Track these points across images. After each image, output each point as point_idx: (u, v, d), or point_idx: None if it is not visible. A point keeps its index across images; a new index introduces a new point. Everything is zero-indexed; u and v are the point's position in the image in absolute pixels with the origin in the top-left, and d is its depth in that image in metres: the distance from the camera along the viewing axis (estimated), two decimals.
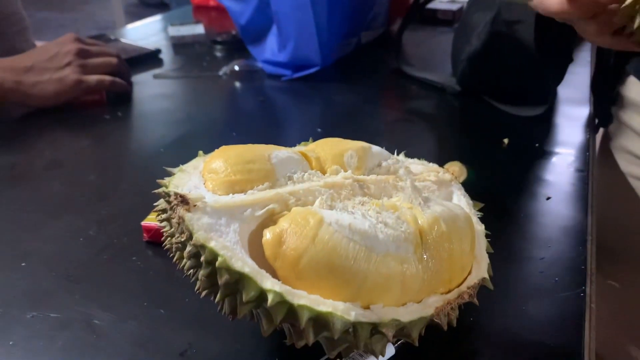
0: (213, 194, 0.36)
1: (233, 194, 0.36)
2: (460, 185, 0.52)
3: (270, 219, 0.36)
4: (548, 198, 0.60)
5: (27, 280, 0.49)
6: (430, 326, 0.37)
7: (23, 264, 0.51)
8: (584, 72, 0.95)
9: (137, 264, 0.51)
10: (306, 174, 0.41)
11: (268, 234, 0.34)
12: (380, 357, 0.38)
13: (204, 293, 0.34)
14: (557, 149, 0.71)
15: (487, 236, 0.46)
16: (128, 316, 0.44)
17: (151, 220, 0.53)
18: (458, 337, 0.42)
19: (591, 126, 0.77)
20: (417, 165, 0.53)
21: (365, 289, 0.34)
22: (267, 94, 0.94)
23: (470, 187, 0.51)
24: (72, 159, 0.72)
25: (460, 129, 0.82)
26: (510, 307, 0.45)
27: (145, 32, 1.31)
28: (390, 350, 0.41)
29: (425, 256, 0.37)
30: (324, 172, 0.43)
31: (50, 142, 0.75)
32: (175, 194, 0.33)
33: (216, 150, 0.41)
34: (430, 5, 1.17)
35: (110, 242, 0.54)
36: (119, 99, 0.89)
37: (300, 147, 0.47)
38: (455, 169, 0.59)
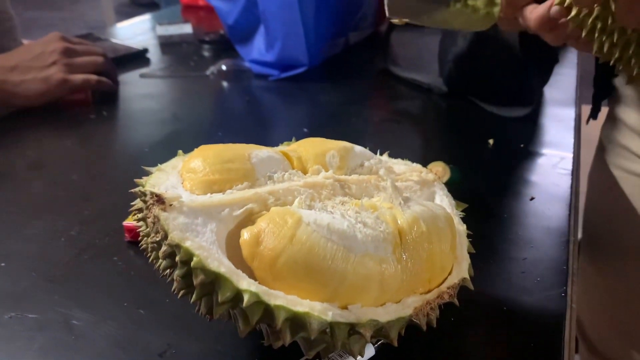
0: (191, 193, 0.36)
1: (211, 193, 0.36)
2: (443, 185, 0.52)
3: (249, 219, 0.36)
4: (532, 198, 0.60)
5: (6, 281, 0.49)
6: (411, 326, 0.37)
7: (2, 264, 0.51)
8: (570, 73, 0.95)
9: (118, 264, 0.50)
10: (287, 173, 0.41)
11: (246, 234, 0.34)
12: (359, 357, 0.37)
13: (181, 293, 0.33)
14: (543, 150, 0.71)
15: (469, 236, 0.46)
16: (107, 316, 0.44)
17: (133, 220, 0.52)
18: (438, 338, 0.42)
19: (577, 126, 0.77)
20: (400, 166, 0.53)
21: (343, 289, 0.34)
22: (254, 94, 0.94)
23: (455, 187, 0.51)
24: (56, 158, 0.71)
25: (446, 130, 0.82)
26: (492, 307, 0.45)
27: (134, 31, 1.31)
28: (370, 350, 0.40)
29: (404, 256, 0.37)
30: (305, 172, 0.43)
31: (33, 142, 0.75)
32: (152, 193, 0.33)
33: (195, 149, 0.40)
34: None
35: (92, 242, 0.53)
36: (105, 98, 0.89)
37: (283, 147, 0.47)
38: (439, 169, 0.59)
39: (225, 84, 0.96)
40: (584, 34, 0.49)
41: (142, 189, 0.34)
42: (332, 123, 0.82)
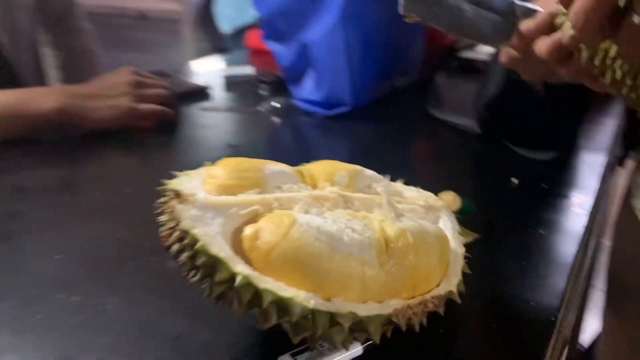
0: (208, 194, 0.42)
1: (225, 195, 0.42)
2: (450, 212, 0.56)
3: (254, 219, 0.42)
4: (542, 233, 0.62)
5: (59, 270, 0.56)
6: (400, 335, 0.41)
7: (60, 256, 0.59)
8: (610, 122, 0.96)
9: (153, 263, 0.57)
10: (296, 186, 0.46)
11: (247, 230, 0.39)
12: (345, 351, 0.42)
13: (190, 275, 0.39)
14: (565, 192, 0.73)
15: (468, 258, 0.49)
16: (136, 305, 0.51)
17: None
18: (425, 347, 0.45)
19: (605, 173, 0.78)
20: (412, 192, 0.57)
21: (327, 283, 0.39)
22: (300, 129, 1.01)
23: (468, 218, 0.55)
24: (116, 175, 0.80)
25: (475, 168, 0.85)
26: (481, 324, 0.48)
27: (202, 70, 1.43)
28: (358, 349, 0.44)
29: (389, 262, 0.41)
30: (315, 188, 0.48)
31: (99, 160, 0.85)
32: (172, 189, 0.39)
33: (219, 160, 0.47)
34: (469, 55, 1.23)
35: (135, 244, 0.61)
36: (167, 127, 0.99)
37: (300, 167, 0.52)
38: (449, 198, 0.63)
39: (276, 119, 1.04)
40: (597, 62, 0.50)
41: (166, 186, 0.41)
42: (368, 158, 0.87)
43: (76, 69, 1.28)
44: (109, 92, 0.93)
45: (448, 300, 0.45)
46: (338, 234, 0.40)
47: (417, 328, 0.42)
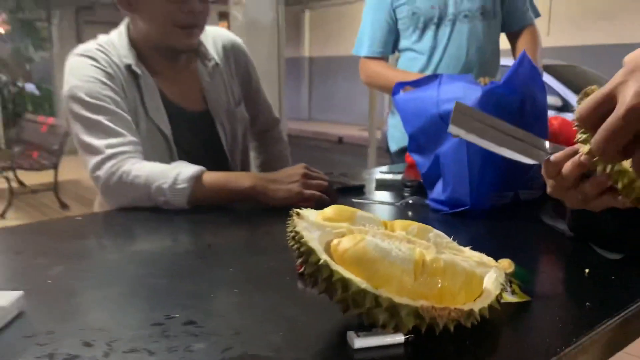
0: (317, 220, 0.69)
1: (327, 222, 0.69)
2: (501, 272, 0.75)
3: (340, 236, 0.67)
4: (588, 305, 0.76)
5: (230, 276, 0.87)
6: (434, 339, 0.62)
7: (232, 270, 0.89)
8: None
9: (287, 281, 0.85)
10: (376, 227, 0.71)
11: (335, 241, 0.65)
12: (390, 336, 0.63)
13: (298, 261, 0.65)
14: (630, 284, 0.85)
15: (515, 309, 0.68)
16: (271, 299, 0.78)
17: None
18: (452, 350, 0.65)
19: None
20: (474, 253, 0.78)
21: (376, 277, 0.62)
22: (425, 220, 1.24)
23: (530, 287, 0.76)
24: (278, 234, 1.11)
25: (556, 259, 1.00)
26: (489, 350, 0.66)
27: (363, 175, 1.75)
28: (400, 338, 0.65)
29: (422, 275, 0.63)
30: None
31: (269, 224, 1.18)
32: (296, 211, 0.67)
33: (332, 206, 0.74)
34: None
35: (279, 270, 0.89)
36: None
37: (385, 220, 0.77)
38: (504, 263, 0.80)
39: (409, 212, 1.29)
40: (608, 170, 0.63)
41: (294, 211, 0.69)
42: (473, 243, 1.07)
43: (270, 168, 1.69)
44: (286, 179, 1.28)
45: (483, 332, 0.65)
46: (389, 249, 0.63)
47: (440, 327, 0.62)
